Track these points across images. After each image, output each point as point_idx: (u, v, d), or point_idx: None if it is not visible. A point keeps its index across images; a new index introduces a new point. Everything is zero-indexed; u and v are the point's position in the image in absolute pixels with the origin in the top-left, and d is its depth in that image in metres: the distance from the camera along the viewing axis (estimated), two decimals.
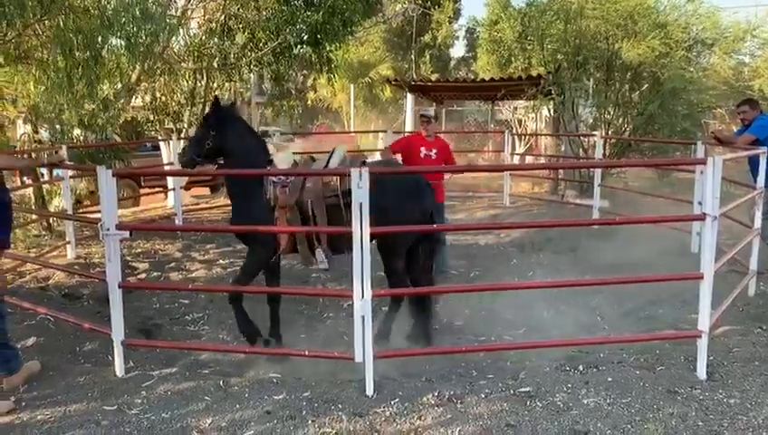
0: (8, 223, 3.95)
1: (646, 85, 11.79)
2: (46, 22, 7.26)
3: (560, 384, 3.91)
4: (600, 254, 7.56)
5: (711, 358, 4.08)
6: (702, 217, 3.96)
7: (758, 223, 5.60)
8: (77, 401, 3.82)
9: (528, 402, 3.69)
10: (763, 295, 5.71)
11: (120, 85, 9.64)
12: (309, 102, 26.37)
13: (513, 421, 3.48)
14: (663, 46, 11.03)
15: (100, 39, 7.35)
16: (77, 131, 8.74)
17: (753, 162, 6.10)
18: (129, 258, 7.56)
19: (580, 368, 4.21)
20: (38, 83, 7.85)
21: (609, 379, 3.96)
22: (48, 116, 8.22)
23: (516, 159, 15.14)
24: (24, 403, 3.82)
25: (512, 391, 3.84)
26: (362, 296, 3.75)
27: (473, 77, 21.18)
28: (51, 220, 8.83)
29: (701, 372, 3.97)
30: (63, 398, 3.87)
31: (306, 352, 4.35)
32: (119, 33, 7.68)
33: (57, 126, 8.21)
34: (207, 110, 5.69)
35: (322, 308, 5.93)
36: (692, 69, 11.96)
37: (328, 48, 11.99)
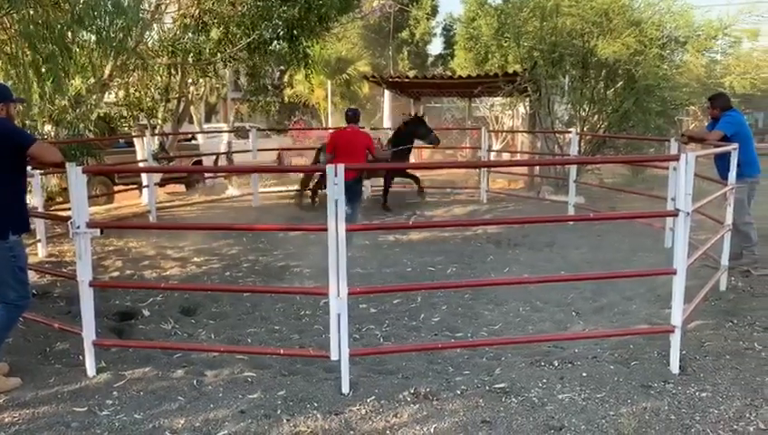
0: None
1: (620, 82, 11.91)
2: (15, 15, 7.08)
3: (535, 380, 3.93)
4: (575, 250, 7.62)
5: (684, 352, 4.13)
6: (675, 214, 4.00)
7: (729, 219, 5.68)
8: (46, 402, 3.74)
9: (503, 398, 3.70)
10: (735, 290, 5.80)
11: (92, 80, 9.47)
12: (286, 99, 26.20)
13: (488, 417, 3.49)
14: (637, 44, 11.15)
15: (69, 34, 7.19)
16: (47, 127, 8.57)
17: (719, 157, 6.20)
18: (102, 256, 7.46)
19: (556, 363, 4.24)
20: (6, 78, 7.67)
21: (584, 374, 3.99)
22: (17, 111, 8.03)
23: (493, 156, 15.20)
24: None
25: (487, 387, 3.85)
26: (338, 294, 3.73)
27: (450, 74, 21.21)
28: None
29: (674, 366, 4.02)
30: (32, 399, 3.78)
31: (282, 351, 4.32)
32: (90, 28, 7.52)
33: (26, 122, 8.03)
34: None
35: (299, 306, 5.89)
36: (665, 66, 12.11)
37: (304, 44, 11.91)
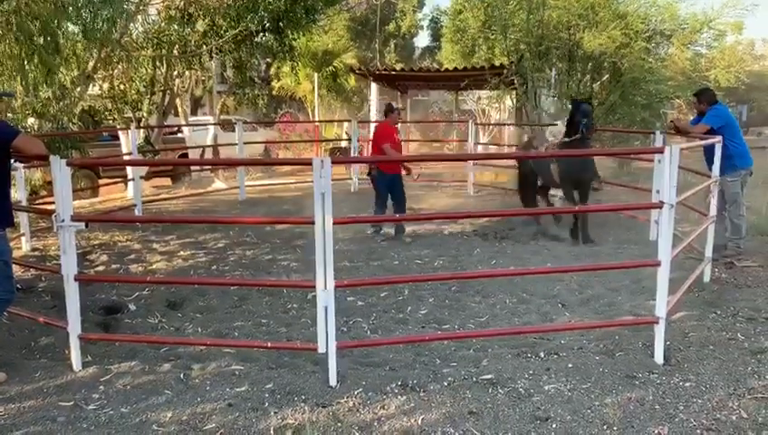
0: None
1: (606, 75, 11.97)
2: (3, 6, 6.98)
3: (521, 371, 3.96)
4: (561, 242, 7.66)
5: (668, 343, 4.17)
6: (659, 205, 4.03)
7: (713, 210, 5.74)
8: (32, 396, 3.72)
9: (490, 389, 3.73)
10: (718, 281, 5.86)
11: (76, 73, 9.38)
12: (272, 91, 26.04)
13: (475, 409, 3.51)
14: (623, 37, 11.20)
15: (55, 25, 7.09)
16: (31, 120, 8.47)
17: (709, 151, 6.24)
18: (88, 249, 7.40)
19: (542, 354, 4.27)
20: None
21: (570, 365, 4.02)
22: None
23: (480, 149, 15.23)
24: None
25: (474, 379, 3.87)
26: (325, 287, 3.73)
27: (437, 67, 21.19)
28: None
29: (658, 356, 4.06)
30: (17, 394, 3.76)
31: (269, 344, 4.31)
32: (74, 19, 7.43)
33: (9, 115, 7.94)
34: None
35: (286, 299, 5.88)
36: (651, 60, 12.18)
37: (290, 36, 11.85)
